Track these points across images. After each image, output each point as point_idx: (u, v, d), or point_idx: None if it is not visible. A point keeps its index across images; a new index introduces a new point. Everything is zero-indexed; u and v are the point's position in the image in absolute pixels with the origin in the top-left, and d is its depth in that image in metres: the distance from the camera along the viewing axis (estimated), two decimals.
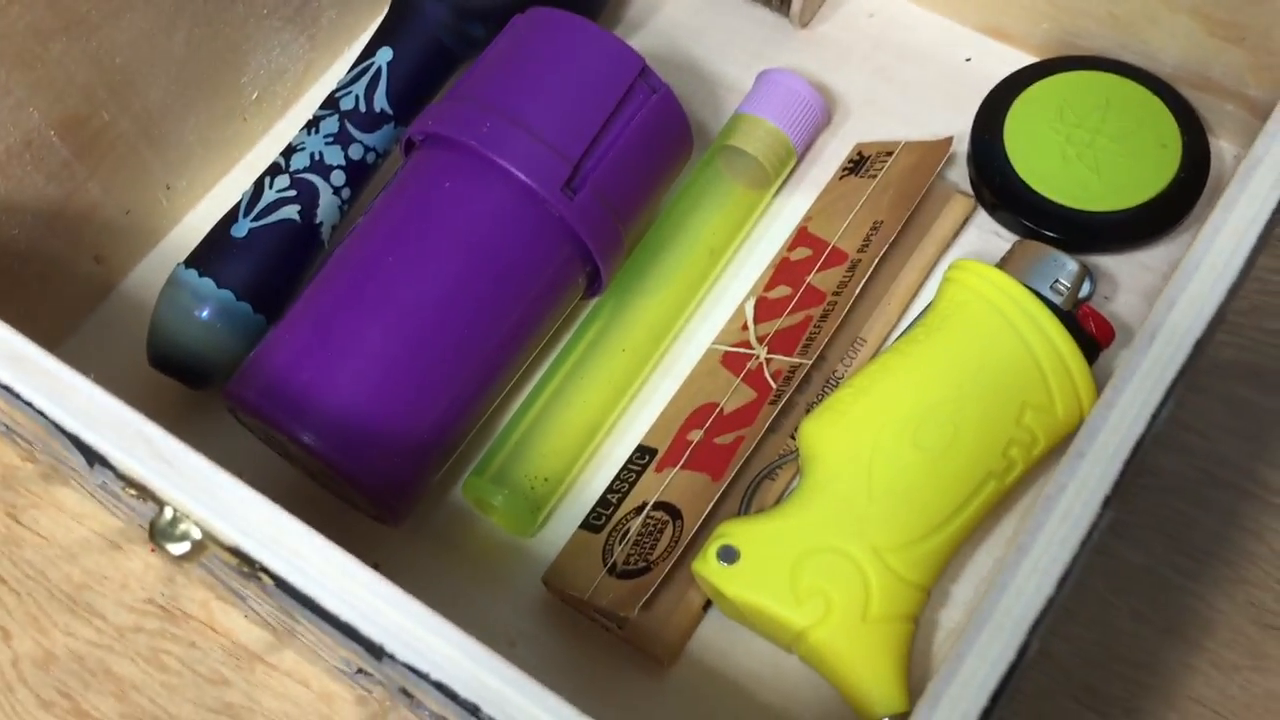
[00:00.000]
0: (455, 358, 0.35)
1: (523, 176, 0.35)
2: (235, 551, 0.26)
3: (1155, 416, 0.27)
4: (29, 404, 0.27)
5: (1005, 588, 0.25)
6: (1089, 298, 0.38)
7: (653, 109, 0.37)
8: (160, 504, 0.27)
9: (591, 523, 0.37)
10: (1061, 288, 0.38)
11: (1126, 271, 0.40)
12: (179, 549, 0.27)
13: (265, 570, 0.26)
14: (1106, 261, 0.40)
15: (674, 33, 0.46)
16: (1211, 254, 0.29)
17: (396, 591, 0.25)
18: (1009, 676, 0.24)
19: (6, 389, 0.28)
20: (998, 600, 0.25)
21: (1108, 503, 0.26)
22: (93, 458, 0.28)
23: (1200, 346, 0.28)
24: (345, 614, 0.25)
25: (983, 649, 0.25)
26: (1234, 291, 0.28)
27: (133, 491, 0.27)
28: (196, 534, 0.27)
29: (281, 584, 0.26)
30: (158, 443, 0.27)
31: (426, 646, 0.25)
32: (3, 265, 0.37)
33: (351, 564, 0.26)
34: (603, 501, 0.37)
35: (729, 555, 0.34)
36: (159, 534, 0.27)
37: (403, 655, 0.25)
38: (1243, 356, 0.39)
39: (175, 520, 0.27)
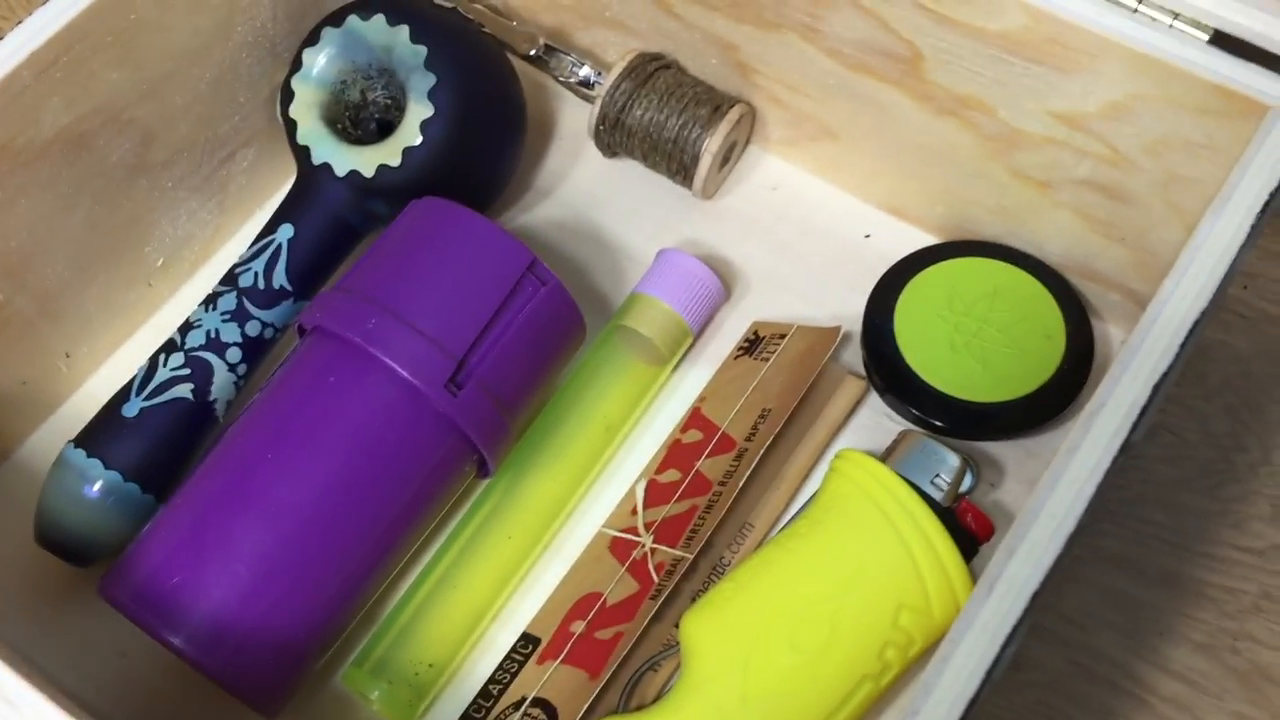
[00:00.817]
0: (333, 556, 0.35)
1: (405, 374, 0.36)
2: None
3: (1010, 638, 0.27)
4: None
5: None
6: (970, 491, 0.39)
7: (541, 301, 0.38)
8: None
9: (471, 716, 0.37)
10: (942, 483, 0.38)
11: (1012, 458, 0.41)
12: None
13: None
14: (993, 448, 0.41)
15: (580, 201, 0.47)
16: (1083, 450, 0.29)
17: None
18: None
19: None
20: None
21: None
22: None
23: (1072, 542, 0.28)
24: None
25: None
26: (1108, 481, 0.29)
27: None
28: None
29: None
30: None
31: None
32: None
33: None
34: (484, 693, 0.37)
35: None
36: None
37: None
38: (1124, 548, 0.40)
39: None
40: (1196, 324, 0.30)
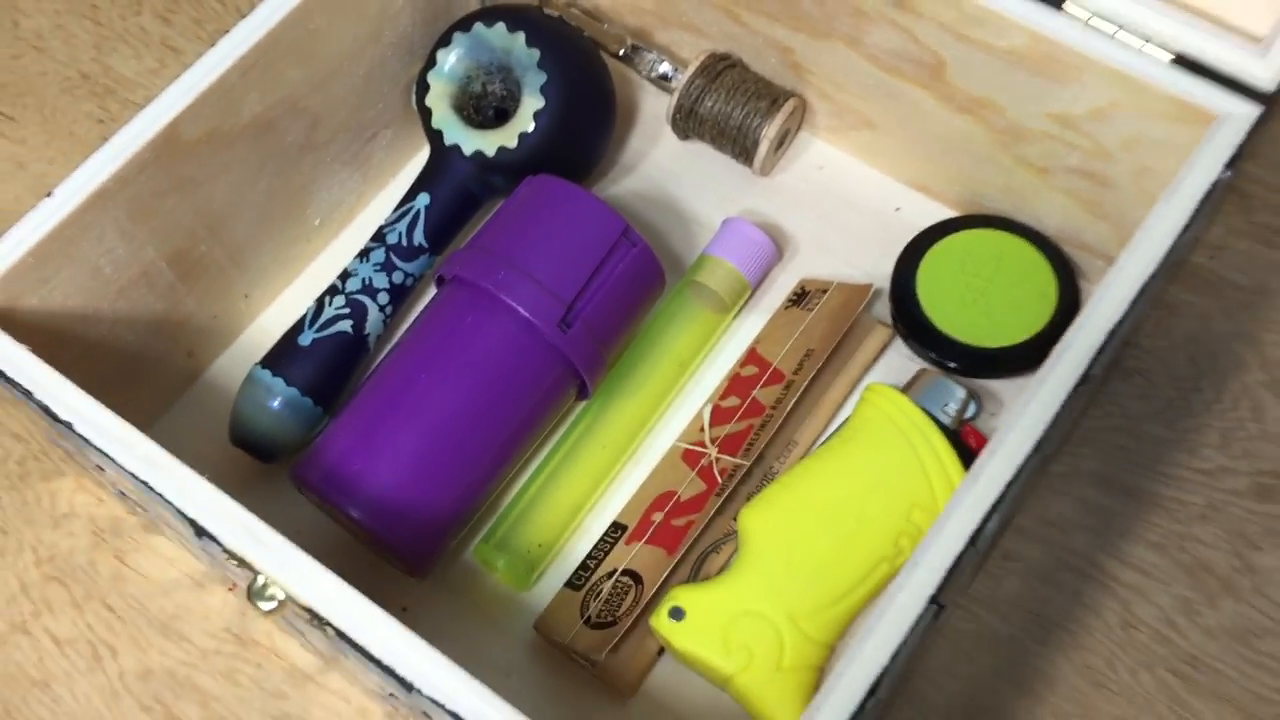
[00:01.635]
0: (470, 453, 0.46)
1: (526, 314, 0.46)
2: (309, 611, 0.36)
3: (989, 514, 0.37)
4: (160, 495, 0.38)
5: (853, 657, 0.35)
6: (974, 418, 0.49)
7: (631, 260, 0.48)
8: (255, 572, 0.37)
9: (573, 583, 0.47)
10: (950, 410, 0.48)
11: (1010, 393, 0.50)
12: (268, 606, 0.37)
13: (330, 625, 0.36)
14: (995, 385, 0.50)
15: (659, 176, 0.56)
16: (1050, 381, 0.38)
17: (424, 645, 0.35)
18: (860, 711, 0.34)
19: (137, 478, 0.38)
20: (850, 662, 0.35)
21: (936, 599, 0.36)
22: (201, 533, 0.38)
23: (1039, 448, 0.37)
24: (386, 660, 0.35)
25: (840, 693, 0.34)
26: (1068, 408, 0.38)
27: (234, 562, 0.38)
28: (281, 595, 0.37)
29: (342, 635, 0.36)
30: (255, 529, 0.37)
31: (444, 685, 0.35)
32: (118, 362, 0.48)
33: (394, 624, 0.36)
34: (583, 566, 0.47)
35: (678, 614, 0.44)
36: (254, 594, 0.37)
37: (426, 690, 0.35)
38: (1098, 467, 0.49)
39: (265, 585, 0.37)
40: (1144, 287, 0.39)
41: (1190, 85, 0.43)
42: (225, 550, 0.37)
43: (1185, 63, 0.43)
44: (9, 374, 0.40)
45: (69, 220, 0.43)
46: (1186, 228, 0.40)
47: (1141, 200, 0.46)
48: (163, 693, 0.47)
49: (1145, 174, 0.46)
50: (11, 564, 0.50)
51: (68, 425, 0.39)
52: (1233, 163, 0.42)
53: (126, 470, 0.38)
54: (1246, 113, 0.42)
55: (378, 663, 0.36)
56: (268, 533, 0.37)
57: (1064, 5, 0.44)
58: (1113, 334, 0.39)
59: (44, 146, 0.59)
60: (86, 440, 0.39)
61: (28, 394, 0.40)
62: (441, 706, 0.35)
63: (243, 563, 0.37)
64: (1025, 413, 0.38)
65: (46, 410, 0.39)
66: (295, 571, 0.36)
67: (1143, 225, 0.40)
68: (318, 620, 0.36)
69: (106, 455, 0.39)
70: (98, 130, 0.59)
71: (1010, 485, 0.37)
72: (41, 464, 0.52)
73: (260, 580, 0.37)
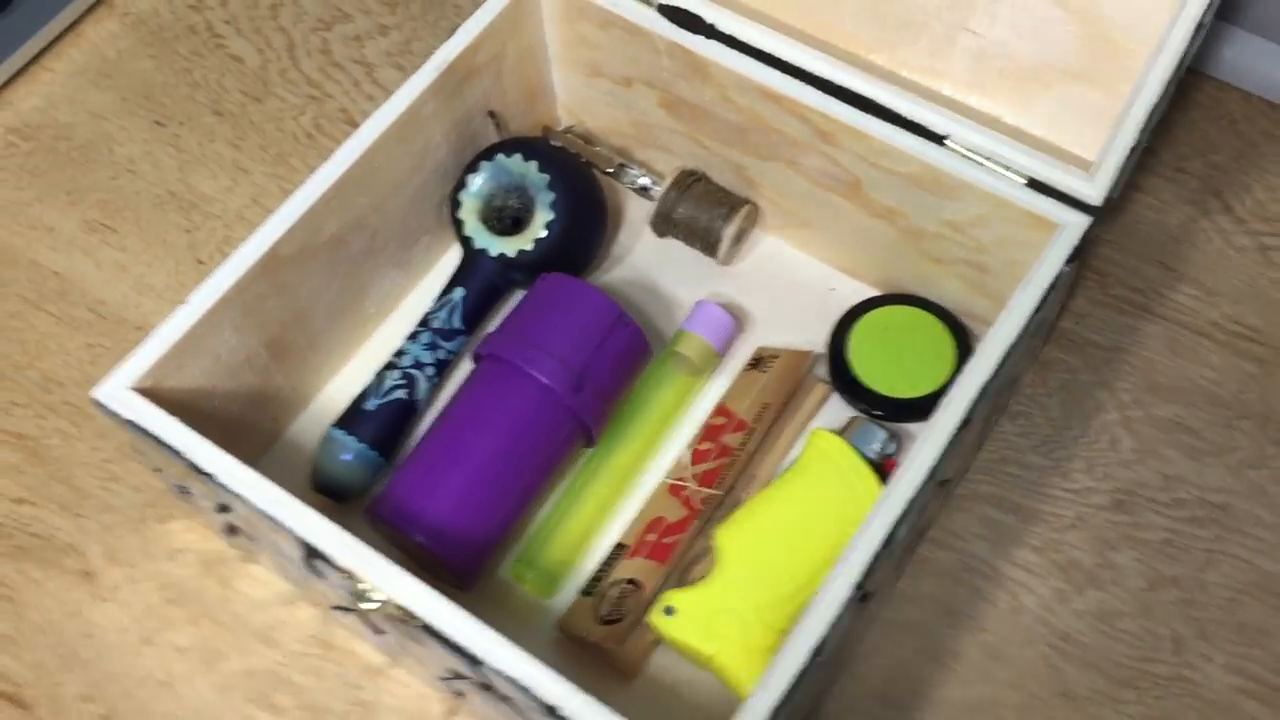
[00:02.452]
0: (505, 490, 0.59)
1: (547, 382, 0.59)
2: (404, 610, 0.49)
3: (899, 523, 0.50)
4: (283, 525, 0.51)
5: (800, 630, 0.48)
6: (894, 454, 0.63)
7: (625, 338, 0.61)
8: (357, 581, 0.50)
9: (587, 591, 0.60)
10: (875, 448, 0.62)
11: (921, 434, 0.64)
12: (370, 606, 0.50)
13: (417, 618, 0.49)
14: (910, 427, 0.64)
15: (642, 266, 0.70)
16: (936, 426, 0.52)
17: (491, 630, 0.48)
18: (798, 684, 0.47)
19: (264, 513, 0.51)
20: (798, 634, 0.48)
21: (860, 586, 0.49)
22: (313, 554, 0.51)
23: (933, 475, 0.51)
24: (461, 642, 0.48)
25: (791, 656, 0.48)
26: (951, 448, 0.52)
27: (342, 574, 0.51)
28: (380, 598, 0.50)
29: (427, 627, 0.49)
30: (359, 549, 0.50)
31: (507, 658, 0.48)
32: (224, 426, 0.60)
33: (466, 615, 0.49)
34: (595, 578, 0.61)
35: (670, 612, 0.58)
36: (358, 597, 0.50)
37: (493, 663, 0.48)
38: (992, 490, 0.63)
39: (367, 590, 0.50)
40: (1005, 355, 0.53)
41: (1040, 202, 0.57)
42: (335, 567, 0.50)
43: (1036, 184, 0.57)
44: (164, 439, 0.53)
45: (200, 322, 0.56)
46: (1037, 310, 0.55)
47: (1013, 283, 0.61)
48: (263, 688, 0.60)
49: (1014, 264, 0.60)
50: (138, 591, 0.62)
51: (210, 476, 0.52)
52: (1073, 259, 0.56)
53: (256, 508, 0.51)
54: (1080, 222, 0.56)
55: (453, 645, 0.49)
56: (370, 551, 0.50)
57: (945, 142, 0.59)
58: (980, 394, 0.53)
59: (142, 253, 0.72)
60: (225, 487, 0.52)
61: (178, 454, 0.53)
62: (503, 675, 0.48)
63: (350, 575, 0.50)
64: (920, 448, 0.52)
65: (193, 466, 0.52)
66: (394, 580, 0.49)
67: (1004, 309, 0.54)
68: (410, 617, 0.49)
69: (239, 496, 0.52)
70: (185, 239, 0.72)
71: (911, 502, 0.51)
72: (156, 509, 0.64)
73: (361, 586, 0.50)
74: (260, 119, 0.77)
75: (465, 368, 0.65)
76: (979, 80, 0.60)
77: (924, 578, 0.61)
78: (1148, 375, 0.66)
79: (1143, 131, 0.55)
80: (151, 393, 0.55)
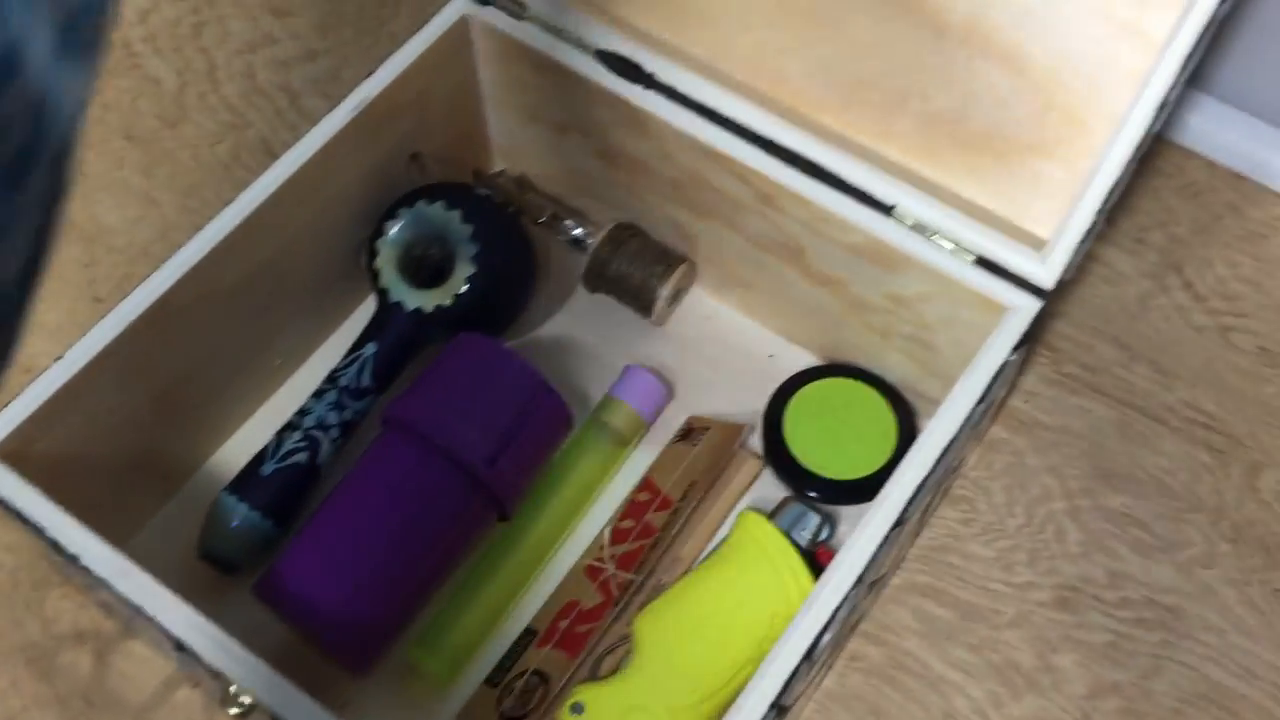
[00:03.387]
0: (408, 571, 0.55)
1: (459, 454, 0.55)
2: (274, 716, 0.45)
3: (829, 622, 0.46)
4: (154, 620, 0.46)
5: None
6: (827, 540, 0.59)
7: (547, 408, 0.57)
8: (228, 683, 0.46)
9: (491, 680, 0.56)
10: (806, 535, 0.58)
11: (856, 519, 0.60)
12: (235, 710, 0.46)
13: None
14: (845, 511, 0.61)
15: (571, 323, 0.66)
16: (878, 514, 0.48)
17: None
18: None
19: (133, 605, 0.46)
20: None
21: (776, 704, 0.45)
22: (182, 648, 0.46)
23: (870, 568, 0.47)
24: None
25: None
26: (885, 549, 0.48)
27: (211, 674, 0.46)
28: (247, 701, 0.45)
29: None
30: (230, 646, 0.46)
31: None
32: (106, 488, 0.56)
33: None
34: (499, 666, 0.56)
35: (578, 710, 0.54)
36: (227, 700, 0.46)
37: None
38: (929, 581, 0.60)
39: (237, 693, 0.46)
40: (946, 449, 0.50)
41: (989, 282, 0.53)
42: (203, 664, 0.46)
43: (985, 262, 0.54)
44: (24, 512, 0.48)
45: (75, 378, 0.51)
46: (981, 399, 0.51)
47: (959, 363, 0.57)
48: None
49: (960, 344, 0.56)
50: (3, 663, 0.57)
51: (74, 558, 0.47)
52: (1021, 344, 0.53)
53: (121, 596, 0.47)
54: (1030, 306, 0.53)
55: None
56: (239, 649, 0.46)
57: (892, 212, 0.55)
58: (920, 488, 0.49)
59: None
60: (89, 571, 0.47)
61: (39, 530, 0.48)
62: None
63: (217, 674, 0.46)
64: (851, 551, 0.48)
65: (56, 545, 0.48)
66: (266, 684, 0.45)
67: (948, 394, 0.51)
68: None
69: (108, 585, 0.47)
70: (84, 274, 0.67)
71: (836, 610, 0.47)
72: (31, 574, 0.59)
73: (232, 689, 0.46)
74: (174, 146, 0.72)
75: (373, 428, 0.61)
76: (930, 147, 0.56)
77: (852, 675, 0.58)
78: (1098, 461, 0.63)
79: (1100, 213, 0.52)
80: (16, 457, 0.50)
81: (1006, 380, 0.54)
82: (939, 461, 0.50)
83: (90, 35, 0.22)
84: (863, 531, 0.48)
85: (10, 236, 0.22)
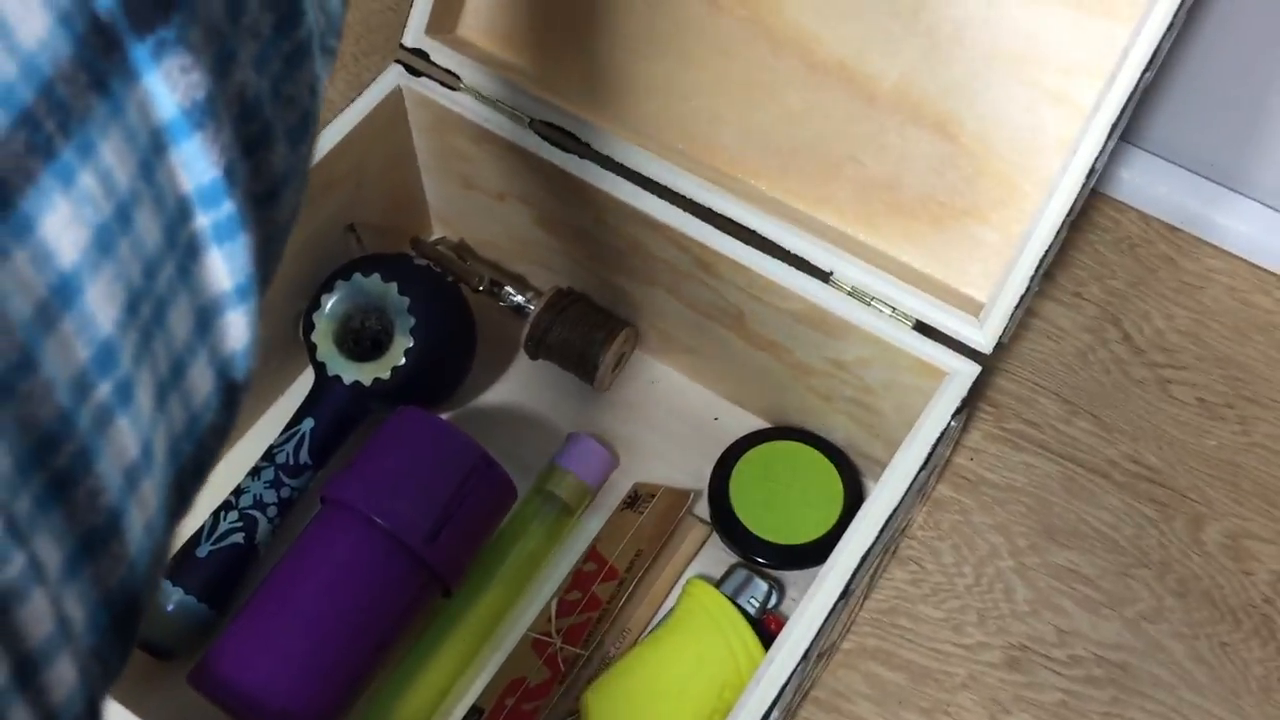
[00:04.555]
0: (348, 654, 0.53)
1: (396, 533, 0.54)
2: None
3: (780, 693, 0.46)
4: None
5: None
6: (776, 607, 0.58)
7: (488, 480, 0.56)
8: None
9: None
10: (755, 602, 0.57)
11: (806, 581, 0.60)
12: None
13: None
14: (794, 575, 0.60)
15: (513, 391, 0.65)
16: (827, 581, 0.48)
17: None
18: None
19: None
20: None
21: None
22: None
23: (820, 636, 0.47)
24: None
25: None
26: (841, 604, 0.47)
27: None
28: None
29: None
30: None
31: None
32: None
33: None
34: None
35: None
36: None
37: None
38: (879, 644, 0.59)
39: None
40: (890, 518, 0.49)
41: (928, 347, 0.54)
42: None
43: (924, 328, 0.54)
44: None
45: None
46: (924, 465, 0.51)
47: (903, 427, 0.57)
48: None
49: (902, 407, 0.56)
50: None
51: None
52: (961, 409, 0.53)
53: None
54: (969, 370, 0.53)
55: None
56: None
57: (830, 278, 0.55)
58: (865, 557, 0.49)
59: None
60: None
61: None
62: None
63: None
64: (801, 619, 0.47)
65: None
66: None
67: (889, 465, 0.51)
68: None
69: None
70: None
71: (789, 680, 0.46)
72: None
73: None
74: None
75: (312, 506, 0.60)
76: (866, 212, 0.56)
77: None
78: (1043, 518, 0.63)
79: (1035, 277, 0.52)
80: None
81: (949, 441, 0.54)
82: (884, 528, 0.49)
83: (334, 41, 0.29)
84: (810, 601, 0.48)
85: (294, 183, 0.27)
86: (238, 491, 0.58)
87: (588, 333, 0.64)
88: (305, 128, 0.27)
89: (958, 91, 0.53)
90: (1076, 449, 0.65)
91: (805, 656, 0.47)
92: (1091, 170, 0.51)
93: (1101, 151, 0.50)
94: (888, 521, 0.50)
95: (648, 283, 0.62)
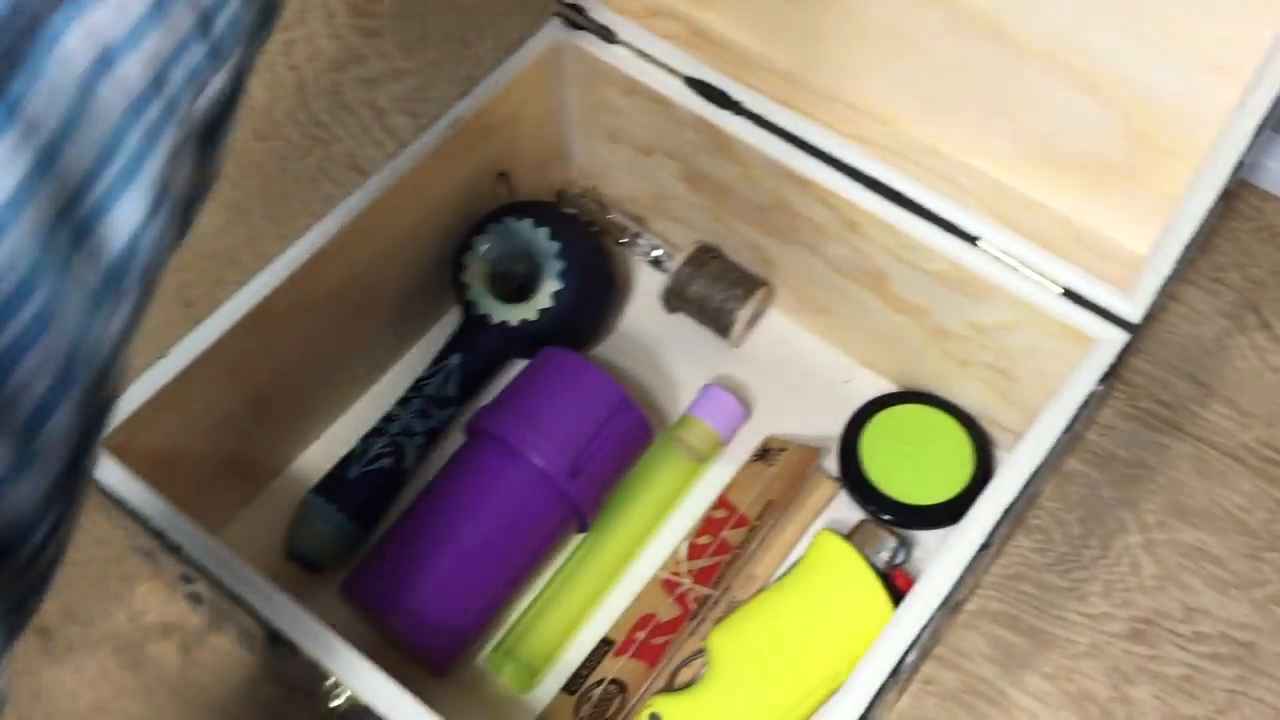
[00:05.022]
0: (488, 576, 0.56)
1: (542, 464, 0.56)
2: (369, 710, 0.46)
3: (908, 650, 0.47)
4: (255, 610, 0.47)
5: None
6: (903, 563, 0.59)
7: (628, 423, 0.58)
8: (325, 676, 0.47)
9: (569, 688, 0.56)
10: (883, 557, 0.58)
11: (933, 543, 0.61)
12: (335, 703, 0.46)
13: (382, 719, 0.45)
14: (922, 535, 0.61)
15: (649, 342, 0.67)
16: (959, 542, 0.49)
17: None
18: None
19: (236, 598, 0.48)
20: None
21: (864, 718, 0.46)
22: (278, 639, 0.47)
23: (951, 595, 0.47)
24: None
25: None
26: (968, 573, 0.48)
27: (306, 663, 0.47)
28: (343, 692, 0.46)
29: None
30: (326, 638, 0.47)
31: None
32: (197, 485, 0.57)
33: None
34: (577, 674, 0.57)
35: (656, 719, 0.54)
36: (322, 696, 0.47)
37: None
38: (1003, 608, 0.60)
39: (335, 686, 0.46)
40: (1031, 476, 0.50)
41: (1075, 313, 0.54)
42: (299, 655, 0.47)
43: (1071, 294, 0.54)
44: (130, 503, 0.49)
45: (178, 377, 0.53)
46: (1067, 429, 0.51)
47: (1040, 394, 0.58)
48: None
49: (1042, 375, 0.57)
50: (93, 653, 0.59)
51: (176, 548, 0.49)
52: (1106, 377, 0.53)
53: (222, 585, 0.48)
54: (1117, 338, 0.53)
55: None
56: (337, 641, 0.47)
57: (978, 242, 0.56)
58: (1006, 513, 0.50)
59: None
60: (191, 559, 0.48)
61: (143, 520, 0.49)
62: None
63: (312, 665, 0.47)
64: (937, 573, 0.48)
65: (160, 535, 0.49)
66: (360, 675, 0.46)
67: (1032, 426, 0.51)
68: (371, 714, 0.46)
69: (204, 570, 0.48)
70: (175, 279, 0.69)
71: (923, 629, 0.47)
72: (120, 567, 0.61)
73: (329, 681, 0.46)
74: (263, 158, 0.74)
75: (456, 438, 0.62)
76: (1020, 167, 0.57)
77: (926, 699, 0.58)
78: (1174, 497, 0.63)
79: (1189, 246, 0.52)
80: (121, 450, 0.51)
81: (1094, 406, 0.55)
82: (1027, 485, 0.50)
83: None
84: (950, 552, 0.49)
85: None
86: (387, 418, 0.61)
87: (726, 289, 0.65)
88: (219, 132, 0.31)
89: (1111, 53, 0.53)
90: (1210, 431, 0.64)
91: (945, 603, 0.48)
92: (1253, 139, 0.50)
93: (1263, 121, 0.50)
94: (1031, 478, 0.50)
95: (789, 241, 0.63)
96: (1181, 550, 0.61)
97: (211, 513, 0.59)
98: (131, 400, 0.52)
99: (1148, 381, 0.66)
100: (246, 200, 0.73)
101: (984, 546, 0.49)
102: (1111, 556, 0.61)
